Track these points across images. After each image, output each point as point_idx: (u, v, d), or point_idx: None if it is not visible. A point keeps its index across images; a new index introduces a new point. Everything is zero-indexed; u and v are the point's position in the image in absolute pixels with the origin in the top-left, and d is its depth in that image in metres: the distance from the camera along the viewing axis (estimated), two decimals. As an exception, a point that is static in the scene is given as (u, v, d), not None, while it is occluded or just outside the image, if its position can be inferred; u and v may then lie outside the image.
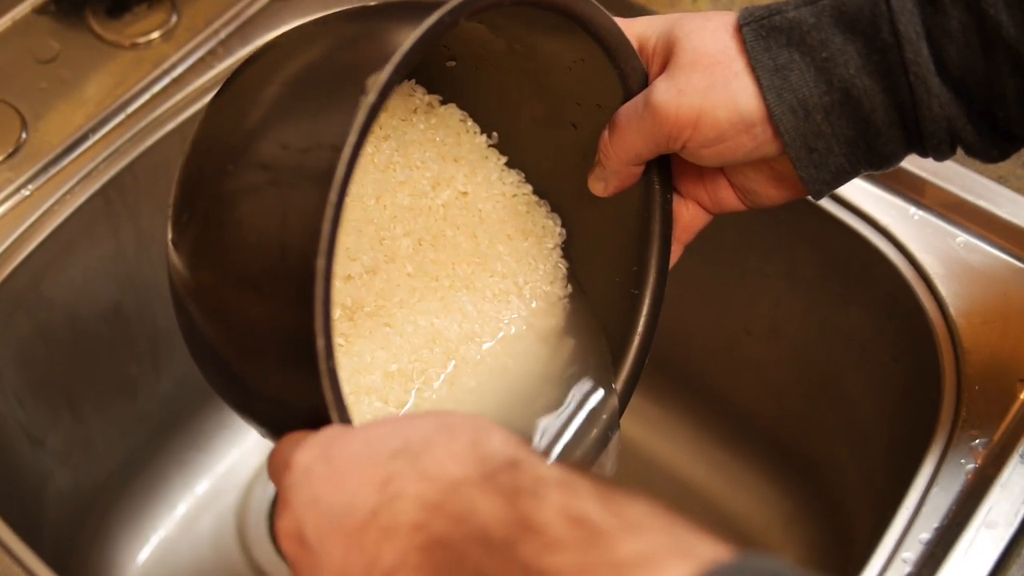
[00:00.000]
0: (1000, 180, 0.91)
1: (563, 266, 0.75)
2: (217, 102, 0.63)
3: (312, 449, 0.54)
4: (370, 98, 0.53)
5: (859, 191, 0.91)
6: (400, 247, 0.70)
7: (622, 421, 1.11)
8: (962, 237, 0.89)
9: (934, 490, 0.77)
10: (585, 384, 0.73)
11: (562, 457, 0.70)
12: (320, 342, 0.53)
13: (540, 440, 0.71)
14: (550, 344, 0.73)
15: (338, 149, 0.53)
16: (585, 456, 0.71)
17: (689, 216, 0.73)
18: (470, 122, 0.74)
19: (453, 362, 0.71)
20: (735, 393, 1.10)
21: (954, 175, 0.90)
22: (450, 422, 0.53)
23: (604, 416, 0.72)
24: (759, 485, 1.09)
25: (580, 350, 0.74)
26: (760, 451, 1.10)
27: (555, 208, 0.75)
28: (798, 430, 1.06)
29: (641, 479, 1.11)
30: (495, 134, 0.74)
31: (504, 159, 0.74)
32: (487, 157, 0.74)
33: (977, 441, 0.79)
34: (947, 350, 0.84)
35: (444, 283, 0.71)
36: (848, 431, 1.00)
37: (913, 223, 0.90)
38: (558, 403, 0.72)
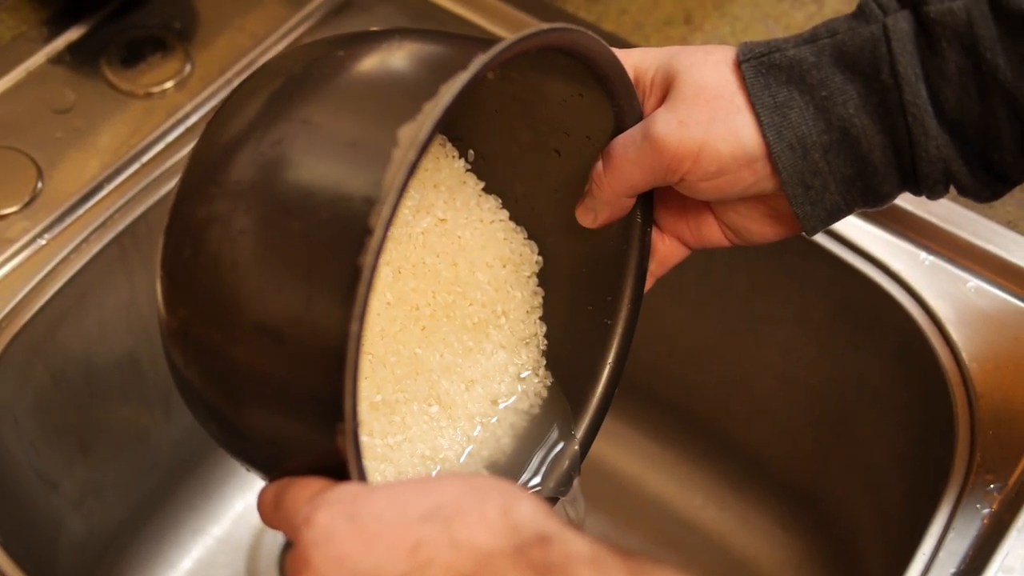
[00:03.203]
0: (1009, 225, 0.91)
1: (540, 294, 0.74)
2: (221, 128, 0.60)
3: (334, 506, 0.53)
4: (409, 156, 0.52)
5: (869, 236, 0.92)
6: (380, 276, 0.68)
7: (631, 465, 1.13)
8: (973, 282, 0.89)
9: (950, 535, 0.77)
10: (554, 420, 0.73)
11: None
12: (348, 404, 0.52)
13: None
14: (525, 378, 0.73)
15: (371, 203, 0.51)
16: (553, 492, 0.71)
17: (666, 250, 0.73)
18: (448, 146, 0.73)
19: (436, 401, 0.70)
20: (748, 437, 1.10)
21: (964, 220, 0.91)
22: (478, 485, 0.52)
23: (573, 450, 0.72)
24: (772, 529, 1.09)
25: (554, 385, 0.74)
26: (773, 495, 1.10)
27: (530, 235, 0.74)
28: (811, 474, 1.06)
29: (653, 523, 1.11)
30: (471, 152, 0.73)
31: (481, 184, 0.73)
32: (465, 182, 0.73)
33: (992, 486, 0.79)
34: (960, 395, 0.84)
35: (425, 312, 0.70)
36: (861, 475, 1.00)
37: (924, 268, 0.90)
38: (536, 439, 0.72)
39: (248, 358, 0.56)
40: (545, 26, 0.58)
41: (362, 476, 0.55)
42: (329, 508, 0.53)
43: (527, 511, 0.50)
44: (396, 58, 0.59)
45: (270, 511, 0.58)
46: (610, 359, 0.73)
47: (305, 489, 0.56)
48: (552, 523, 0.50)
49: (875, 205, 0.66)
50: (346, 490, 0.54)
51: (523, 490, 0.52)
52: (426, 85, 0.55)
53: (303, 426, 0.55)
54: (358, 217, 0.51)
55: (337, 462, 0.54)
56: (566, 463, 0.72)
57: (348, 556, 0.51)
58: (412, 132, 0.53)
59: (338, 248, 0.52)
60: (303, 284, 0.53)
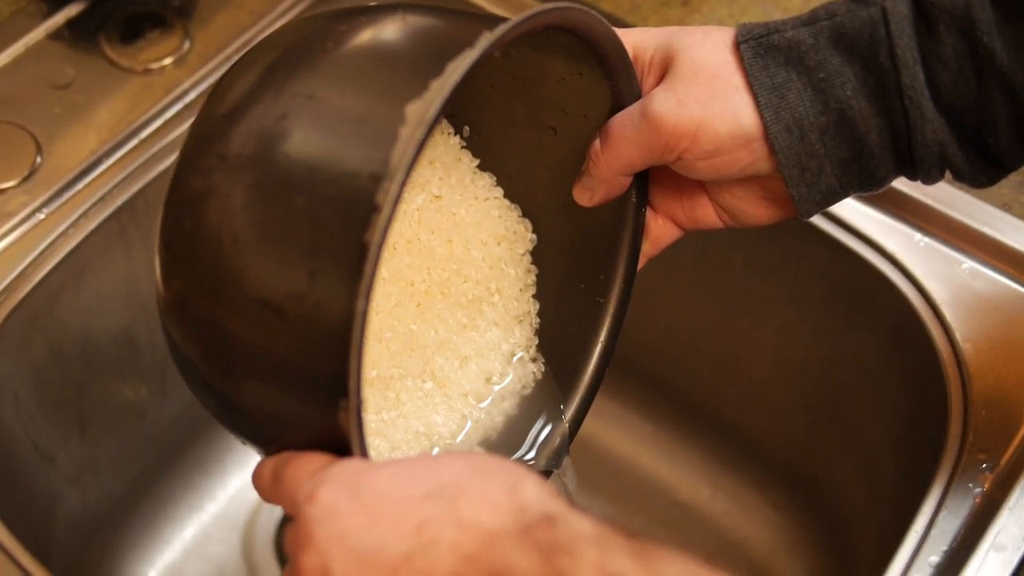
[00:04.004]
0: (1004, 207, 0.92)
1: (533, 272, 0.74)
2: (224, 99, 0.59)
3: (337, 482, 0.52)
4: (417, 134, 0.51)
5: (864, 217, 0.92)
6: None
7: (625, 444, 1.13)
8: (967, 263, 0.90)
9: (942, 513, 0.78)
10: (546, 398, 0.73)
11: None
12: (352, 380, 0.52)
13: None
14: (519, 358, 0.74)
15: (378, 180, 0.51)
16: (545, 467, 0.71)
17: (659, 231, 0.73)
18: (444, 122, 0.72)
19: (430, 381, 0.71)
20: (742, 418, 1.10)
21: (959, 202, 0.91)
22: (482, 464, 0.52)
23: (563, 427, 0.72)
24: (764, 509, 1.10)
25: (547, 364, 0.74)
26: (766, 475, 1.10)
27: (524, 212, 0.74)
28: (804, 455, 1.06)
29: (646, 503, 1.12)
30: (467, 128, 0.72)
31: (476, 161, 0.73)
32: (460, 159, 0.72)
33: (984, 465, 0.80)
34: (953, 375, 0.85)
35: (420, 288, 0.70)
36: (855, 455, 1.01)
37: (919, 249, 0.91)
38: (529, 417, 0.73)
39: (248, 333, 0.55)
40: (551, 5, 0.58)
41: (364, 452, 0.54)
42: (332, 484, 0.52)
43: (532, 491, 0.50)
44: (401, 34, 0.58)
45: (269, 485, 0.58)
46: (602, 338, 0.73)
47: (307, 464, 0.55)
48: (557, 504, 0.50)
49: (871, 189, 0.66)
50: (349, 466, 0.53)
51: (527, 470, 0.52)
52: (432, 62, 0.54)
53: (304, 402, 0.55)
54: (364, 194, 0.51)
55: (338, 438, 0.54)
56: (557, 440, 0.72)
57: (352, 533, 0.50)
58: (420, 110, 0.52)
59: (344, 225, 0.52)
60: (307, 260, 0.53)
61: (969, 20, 0.60)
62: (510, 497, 0.50)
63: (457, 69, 0.53)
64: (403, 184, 0.51)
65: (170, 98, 0.96)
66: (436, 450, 0.69)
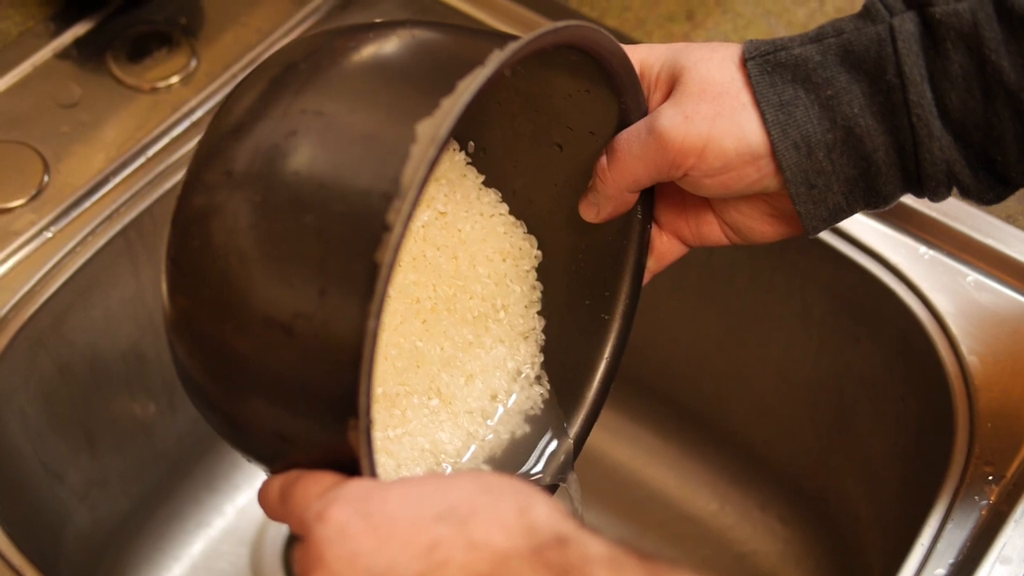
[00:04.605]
0: (1008, 219, 0.92)
1: (539, 288, 0.74)
2: (231, 116, 0.59)
3: (347, 502, 0.52)
4: (430, 152, 0.51)
5: (869, 230, 0.92)
6: None
7: (632, 459, 1.13)
8: (972, 276, 0.90)
9: (949, 526, 0.78)
10: (551, 415, 0.73)
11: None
12: (362, 400, 0.51)
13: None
14: (524, 376, 0.74)
15: (389, 199, 0.51)
16: (551, 482, 0.71)
17: (664, 248, 0.73)
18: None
19: (436, 399, 0.71)
20: (749, 431, 1.10)
21: (963, 214, 0.91)
22: (491, 484, 0.52)
23: (568, 444, 0.72)
24: (772, 523, 1.10)
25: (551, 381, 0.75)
26: (773, 489, 1.10)
27: (529, 228, 0.74)
28: (811, 467, 1.06)
29: (654, 517, 1.12)
30: (472, 144, 0.72)
31: (481, 177, 0.73)
32: (465, 175, 0.72)
33: (990, 478, 0.80)
34: (959, 388, 0.85)
35: (426, 305, 0.70)
36: (861, 469, 1.00)
37: (923, 262, 0.91)
38: (534, 434, 0.73)
39: (255, 351, 0.55)
40: (561, 24, 0.58)
41: (374, 472, 0.54)
42: (342, 504, 0.52)
43: (543, 512, 0.50)
44: (410, 50, 0.58)
45: (276, 504, 0.57)
46: (607, 354, 0.73)
47: (316, 484, 0.55)
48: (568, 524, 0.50)
49: (877, 206, 0.66)
50: (359, 486, 0.53)
51: (537, 490, 0.52)
52: (442, 80, 0.54)
53: (311, 421, 0.55)
54: (375, 213, 0.51)
55: (346, 456, 0.54)
56: (562, 456, 0.72)
57: (362, 554, 0.50)
58: (431, 128, 0.52)
59: (354, 244, 0.51)
60: (316, 279, 0.53)
61: (977, 38, 0.60)
62: (520, 518, 0.50)
63: (468, 87, 0.53)
64: (415, 203, 0.51)
65: (177, 116, 0.96)
66: (447, 468, 0.69)
